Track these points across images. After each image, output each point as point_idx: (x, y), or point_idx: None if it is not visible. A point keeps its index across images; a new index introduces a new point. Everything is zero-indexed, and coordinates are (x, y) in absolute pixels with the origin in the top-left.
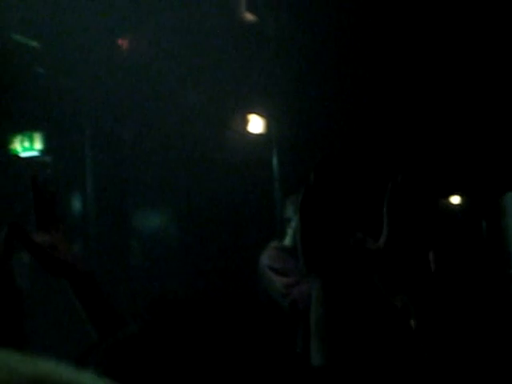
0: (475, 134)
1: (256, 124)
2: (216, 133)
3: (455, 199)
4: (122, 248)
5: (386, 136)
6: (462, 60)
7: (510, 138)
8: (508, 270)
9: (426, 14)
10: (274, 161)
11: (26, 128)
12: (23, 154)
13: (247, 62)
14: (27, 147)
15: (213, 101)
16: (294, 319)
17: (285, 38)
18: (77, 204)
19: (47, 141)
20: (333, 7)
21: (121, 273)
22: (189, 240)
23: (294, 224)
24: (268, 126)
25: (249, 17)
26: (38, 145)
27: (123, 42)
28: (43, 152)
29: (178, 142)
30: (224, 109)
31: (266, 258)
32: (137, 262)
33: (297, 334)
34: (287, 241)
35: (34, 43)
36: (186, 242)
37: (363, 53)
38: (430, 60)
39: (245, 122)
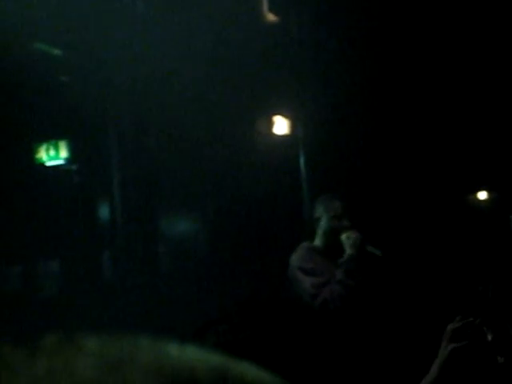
0: (500, 131)
1: (281, 125)
2: (242, 135)
3: (482, 195)
4: (150, 254)
5: (411, 134)
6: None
7: None
8: None
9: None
10: (301, 161)
11: (51, 137)
12: (49, 163)
13: (271, 63)
14: (53, 156)
15: (238, 103)
16: (325, 319)
17: (308, 38)
18: (104, 211)
19: (73, 149)
20: (356, 6)
21: (149, 279)
22: (217, 243)
23: (323, 223)
24: (293, 127)
25: (271, 17)
26: (64, 153)
27: (147, 48)
28: (69, 160)
29: (205, 146)
30: (249, 111)
31: (296, 259)
32: (165, 267)
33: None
34: (317, 241)
35: (58, 51)
36: (215, 245)
37: (389, 53)
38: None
39: (270, 123)
